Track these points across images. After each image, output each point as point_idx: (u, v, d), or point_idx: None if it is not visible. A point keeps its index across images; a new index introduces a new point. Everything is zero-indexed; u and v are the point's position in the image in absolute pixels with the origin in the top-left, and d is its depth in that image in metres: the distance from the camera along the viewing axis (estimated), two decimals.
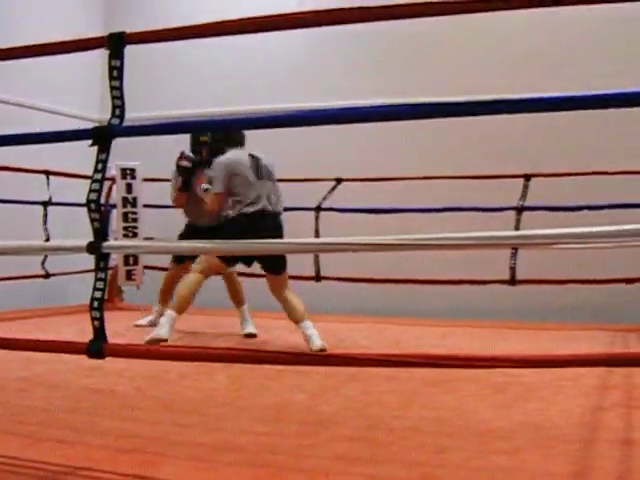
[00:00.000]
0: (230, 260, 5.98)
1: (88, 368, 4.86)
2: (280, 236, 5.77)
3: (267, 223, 5.82)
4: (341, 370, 4.66)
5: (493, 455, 3.03)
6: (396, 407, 3.92)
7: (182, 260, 6.83)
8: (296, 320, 5.93)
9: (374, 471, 2.84)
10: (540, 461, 2.97)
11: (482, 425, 3.55)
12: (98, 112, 10.29)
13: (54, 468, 2.84)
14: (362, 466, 2.90)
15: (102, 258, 2.94)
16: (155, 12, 10.49)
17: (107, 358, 3.02)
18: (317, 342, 5.75)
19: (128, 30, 3.03)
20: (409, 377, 4.60)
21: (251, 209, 5.81)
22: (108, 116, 3.00)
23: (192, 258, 6.30)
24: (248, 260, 6.16)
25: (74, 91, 10.26)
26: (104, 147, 2.96)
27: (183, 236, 6.93)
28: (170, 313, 5.79)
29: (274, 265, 5.94)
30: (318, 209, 8.19)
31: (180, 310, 5.82)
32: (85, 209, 2.94)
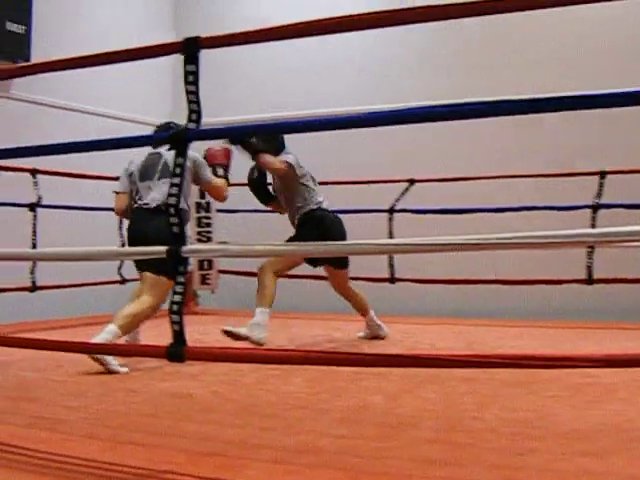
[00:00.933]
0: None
1: (165, 372, 4.92)
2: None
3: None
4: (418, 372, 4.63)
5: (576, 457, 2.98)
6: (475, 409, 3.88)
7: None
8: (366, 312, 6.19)
9: (455, 474, 2.82)
10: (627, 464, 2.91)
11: (563, 427, 3.50)
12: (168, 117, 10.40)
13: (136, 471, 2.86)
14: (443, 469, 2.87)
15: (181, 263, 2.95)
16: (222, 15, 10.53)
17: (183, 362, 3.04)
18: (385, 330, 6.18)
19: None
20: (488, 378, 4.56)
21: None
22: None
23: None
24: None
25: (140, 97, 10.38)
26: (182, 151, 2.98)
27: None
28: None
29: (339, 260, 6.08)
30: (391, 211, 8.17)
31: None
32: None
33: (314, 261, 6.25)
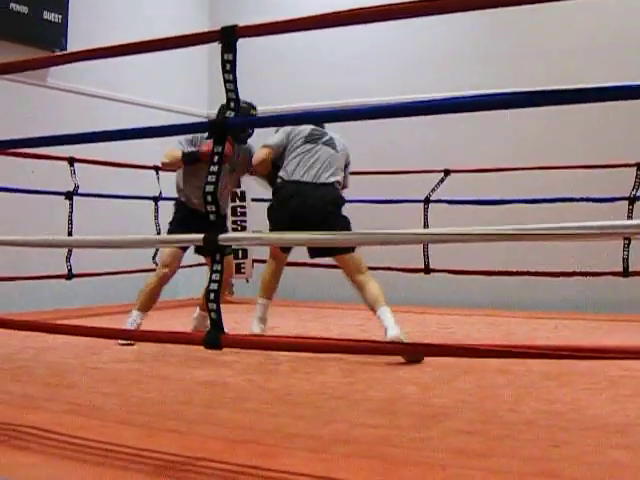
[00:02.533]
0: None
1: (198, 360, 4.94)
2: None
3: None
4: (453, 363, 4.63)
5: (611, 450, 2.96)
6: (510, 400, 3.86)
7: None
8: (372, 308, 5.38)
9: (491, 465, 2.81)
10: None
11: (598, 419, 3.48)
12: (207, 107, 10.45)
13: (172, 458, 2.87)
14: (478, 460, 2.86)
15: (218, 250, 2.96)
16: (258, 5, 10.52)
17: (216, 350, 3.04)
18: (392, 332, 5.10)
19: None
20: (523, 370, 4.55)
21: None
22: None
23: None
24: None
25: (176, 85, 10.42)
26: (220, 140, 2.99)
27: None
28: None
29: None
30: (427, 201, 8.15)
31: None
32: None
33: (315, 250, 5.75)
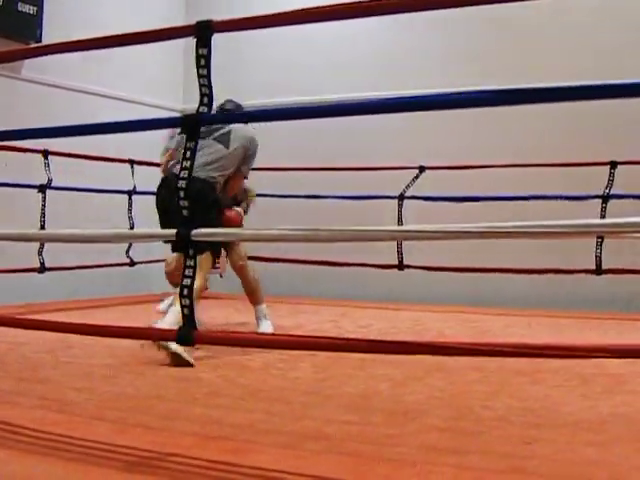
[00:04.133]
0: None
1: None
2: None
3: None
4: (425, 360, 4.62)
5: (583, 447, 2.98)
6: (483, 397, 3.88)
7: None
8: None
9: (463, 461, 2.81)
10: (631, 454, 2.92)
11: (570, 417, 3.50)
12: (182, 102, 10.42)
13: (143, 454, 2.86)
14: (450, 456, 2.87)
15: (192, 246, 2.95)
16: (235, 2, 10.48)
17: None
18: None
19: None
20: (496, 367, 4.57)
21: None
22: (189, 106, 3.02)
23: None
24: None
25: (152, 80, 10.39)
26: (193, 135, 2.98)
27: None
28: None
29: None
30: (401, 197, 8.16)
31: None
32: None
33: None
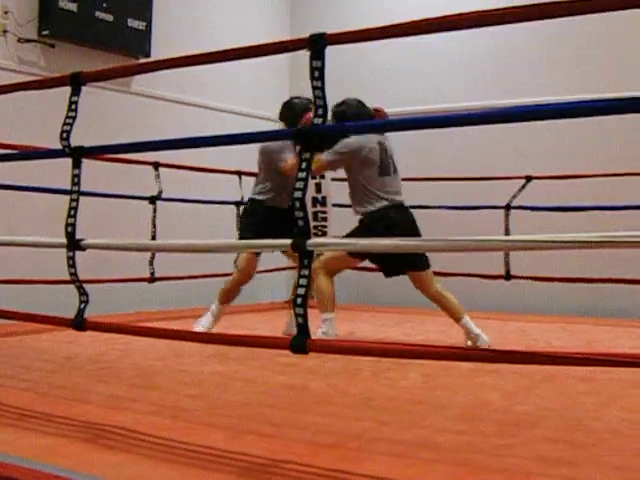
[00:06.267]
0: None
1: (281, 364, 4.97)
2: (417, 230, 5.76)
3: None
4: (535, 370, 4.60)
5: None
6: (594, 409, 3.84)
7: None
8: (457, 318, 5.68)
9: (575, 473, 2.79)
10: None
11: None
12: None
13: (257, 460, 2.90)
14: (563, 468, 2.85)
15: (306, 256, 2.98)
16: (338, 15, 10.52)
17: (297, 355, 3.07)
18: (485, 338, 5.54)
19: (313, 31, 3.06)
20: (606, 379, 4.51)
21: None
22: None
23: None
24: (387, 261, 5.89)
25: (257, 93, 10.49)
26: (308, 147, 3.01)
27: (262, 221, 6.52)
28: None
29: (417, 262, 5.71)
30: (508, 207, 8.10)
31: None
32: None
33: (391, 270, 5.95)
